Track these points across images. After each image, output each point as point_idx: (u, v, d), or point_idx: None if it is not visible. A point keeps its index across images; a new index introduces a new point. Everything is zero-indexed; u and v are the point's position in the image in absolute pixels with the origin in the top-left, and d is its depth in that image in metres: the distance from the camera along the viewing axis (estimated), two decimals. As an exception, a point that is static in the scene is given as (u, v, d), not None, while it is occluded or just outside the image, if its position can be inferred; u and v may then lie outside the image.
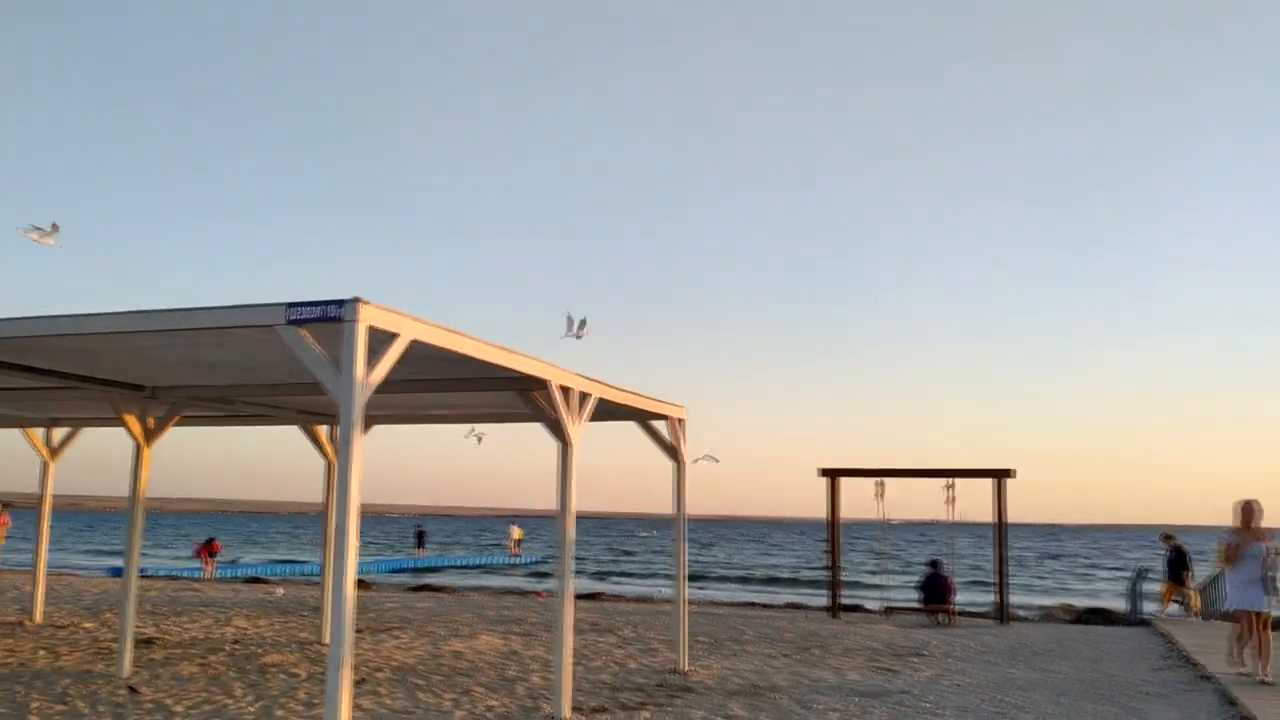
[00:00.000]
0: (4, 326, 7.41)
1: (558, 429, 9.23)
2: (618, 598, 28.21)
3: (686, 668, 12.04)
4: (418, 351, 7.88)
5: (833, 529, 21.21)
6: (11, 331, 7.39)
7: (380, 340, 6.68)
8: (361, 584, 30.65)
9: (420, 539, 61.00)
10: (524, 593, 29.68)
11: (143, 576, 34.74)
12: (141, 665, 11.32)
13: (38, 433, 15.47)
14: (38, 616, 15.31)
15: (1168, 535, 21.49)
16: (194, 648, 12.87)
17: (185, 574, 35.74)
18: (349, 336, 6.39)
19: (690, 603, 27.13)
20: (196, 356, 9.05)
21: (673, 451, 12.05)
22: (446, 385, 9.79)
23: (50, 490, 15.75)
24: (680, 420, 12.13)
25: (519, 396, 9.45)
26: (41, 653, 12.10)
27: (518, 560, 59.17)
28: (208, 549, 34.21)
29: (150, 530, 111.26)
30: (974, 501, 21.15)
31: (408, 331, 6.89)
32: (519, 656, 12.87)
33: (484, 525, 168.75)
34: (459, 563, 55.31)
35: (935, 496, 21.14)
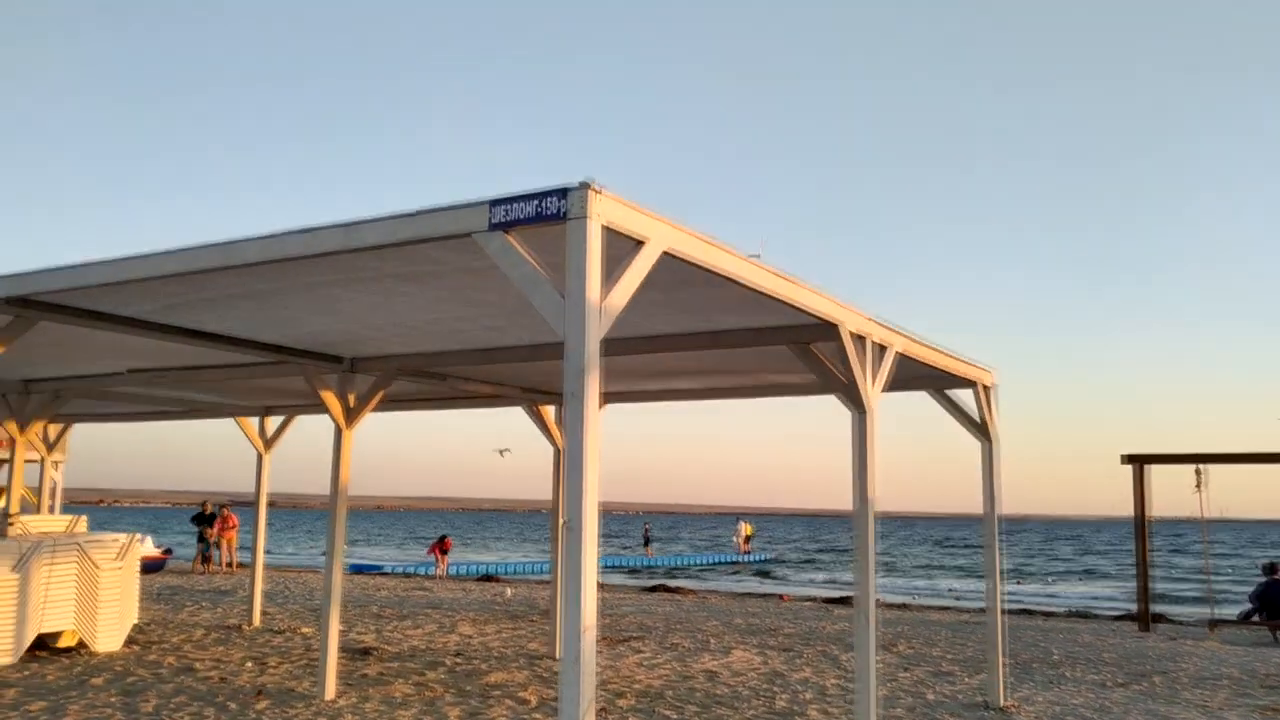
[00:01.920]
0: (135, 266, 5.77)
1: (851, 393, 6.90)
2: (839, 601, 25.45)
3: (1005, 701, 9.44)
4: (662, 279, 5.77)
5: (1140, 525, 17.87)
6: (146, 271, 5.74)
7: (619, 252, 4.56)
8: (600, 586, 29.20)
9: (647, 538, 59.85)
10: (765, 596, 27.41)
11: (380, 573, 34.71)
12: (351, 683, 9.74)
13: (252, 424, 14.43)
14: (255, 619, 14.24)
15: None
16: (413, 660, 11.28)
17: (420, 570, 35.49)
18: (576, 241, 4.29)
19: (961, 610, 24.33)
20: (395, 315, 7.27)
21: (982, 428, 9.47)
22: (691, 341, 7.64)
23: (265, 482, 14.68)
24: (988, 388, 9.55)
25: (793, 352, 7.19)
26: (249, 664, 10.77)
27: (748, 558, 57.00)
28: (440, 546, 33.71)
29: (389, 526, 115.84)
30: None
31: (659, 238, 4.74)
32: (785, 680, 10.59)
33: (705, 523, 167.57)
34: (687, 561, 53.58)
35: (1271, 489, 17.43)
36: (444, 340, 8.20)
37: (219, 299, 6.88)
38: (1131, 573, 50.50)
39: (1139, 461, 17.85)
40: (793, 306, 6.06)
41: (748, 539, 60.07)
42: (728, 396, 10.86)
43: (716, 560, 55.10)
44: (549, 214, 4.41)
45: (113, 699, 8.88)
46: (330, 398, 9.11)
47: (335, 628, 9.17)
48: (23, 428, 11.65)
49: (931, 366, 8.31)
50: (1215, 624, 17.37)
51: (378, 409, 12.69)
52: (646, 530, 62.33)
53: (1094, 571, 54.66)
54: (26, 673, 10.01)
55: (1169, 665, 12.47)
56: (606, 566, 42.64)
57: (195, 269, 5.57)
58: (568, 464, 4.25)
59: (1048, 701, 9.80)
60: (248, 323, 7.64)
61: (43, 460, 16.71)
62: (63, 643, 11.33)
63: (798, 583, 41.58)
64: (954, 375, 8.98)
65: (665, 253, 4.82)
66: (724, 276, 5.34)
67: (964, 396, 9.58)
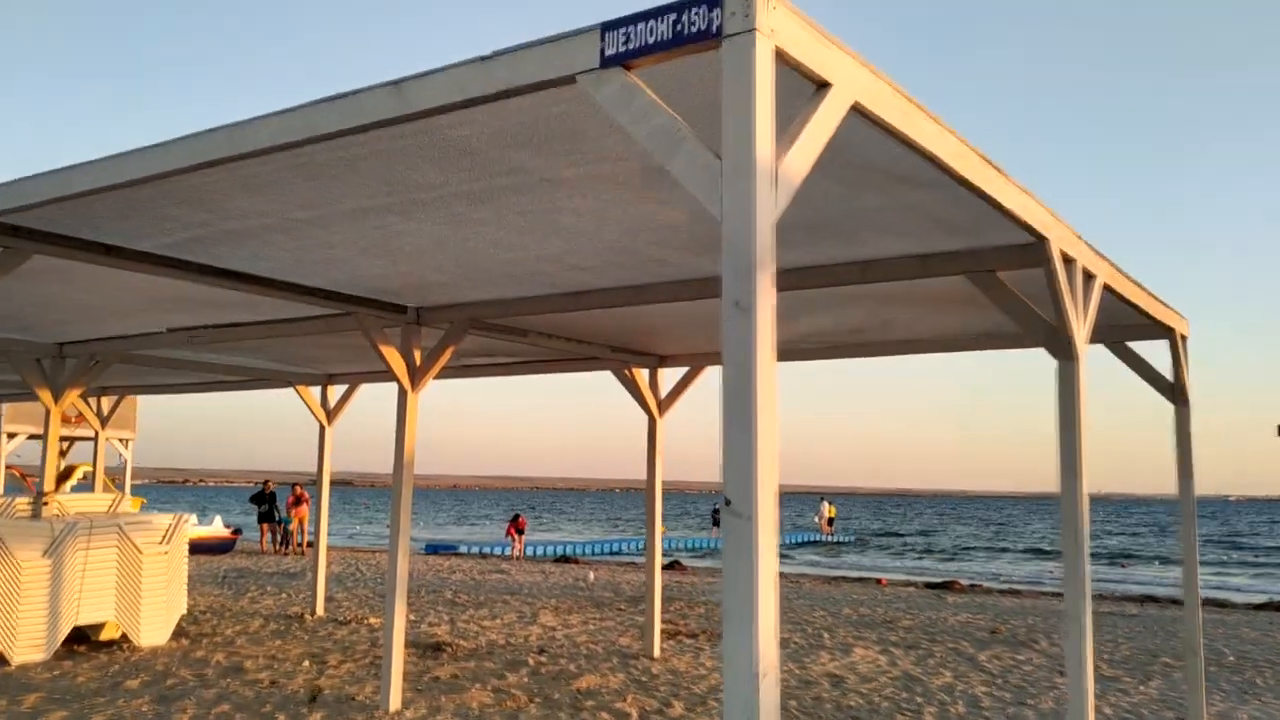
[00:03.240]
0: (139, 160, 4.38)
1: (1056, 338, 5.26)
2: (944, 586, 23.67)
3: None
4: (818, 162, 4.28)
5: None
6: (140, 168, 4.34)
7: (790, 96, 3.00)
8: (674, 565, 27.81)
9: (717, 519, 56.87)
10: (862, 580, 25.73)
11: (455, 554, 33.72)
12: (420, 688, 8.39)
13: (313, 394, 13.17)
14: (319, 608, 13.00)
15: None
16: (491, 658, 9.91)
17: (496, 550, 34.43)
18: (738, 70, 2.75)
19: (1103, 596, 22.28)
20: (465, 253, 5.85)
21: (1175, 388, 7.74)
22: (824, 276, 6.08)
23: (329, 457, 13.42)
24: (1184, 337, 7.81)
25: (975, 284, 5.58)
26: (306, 663, 9.48)
27: (831, 539, 55.19)
28: (515, 526, 32.53)
29: (460, 506, 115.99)
30: None
31: (847, 82, 3.18)
32: (924, 688, 9.01)
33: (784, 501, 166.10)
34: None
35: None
36: (524, 284, 6.74)
37: (247, 232, 5.49)
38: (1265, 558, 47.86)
39: (1298, 433, 15.82)
40: (1003, 210, 4.44)
41: (830, 520, 58.23)
42: (884, 352, 9.17)
43: (798, 540, 53.34)
44: (693, 33, 2.88)
45: (144, 708, 7.62)
46: (393, 354, 7.71)
47: (401, 623, 7.81)
48: (57, 396, 10.48)
49: (1131, 306, 6.60)
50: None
51: (445, 373, 11.35)
52: (716, 510, 59.31)
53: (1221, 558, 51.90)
54: (56, 672, 8.83)
55: (1370, 669, 10.61)
56: (671, 548, 41.12)
57: (195, 163, 4.14)
58: (726, 419, 2.72)
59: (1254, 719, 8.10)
60: (287, 262, 6.25)
61: (96, 435, 15.69)
62: (104, 635, 10.16)
63: (852, 565, 39.84)
64: (1149, 321, 7.26)
65: (855, 106, 3.27)
66: (921, 153, 3.76)
67: (1146, 350, 7.86)
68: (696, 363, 10.17)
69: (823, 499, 64.17)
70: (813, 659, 10.35)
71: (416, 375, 7.86)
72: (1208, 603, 21.45)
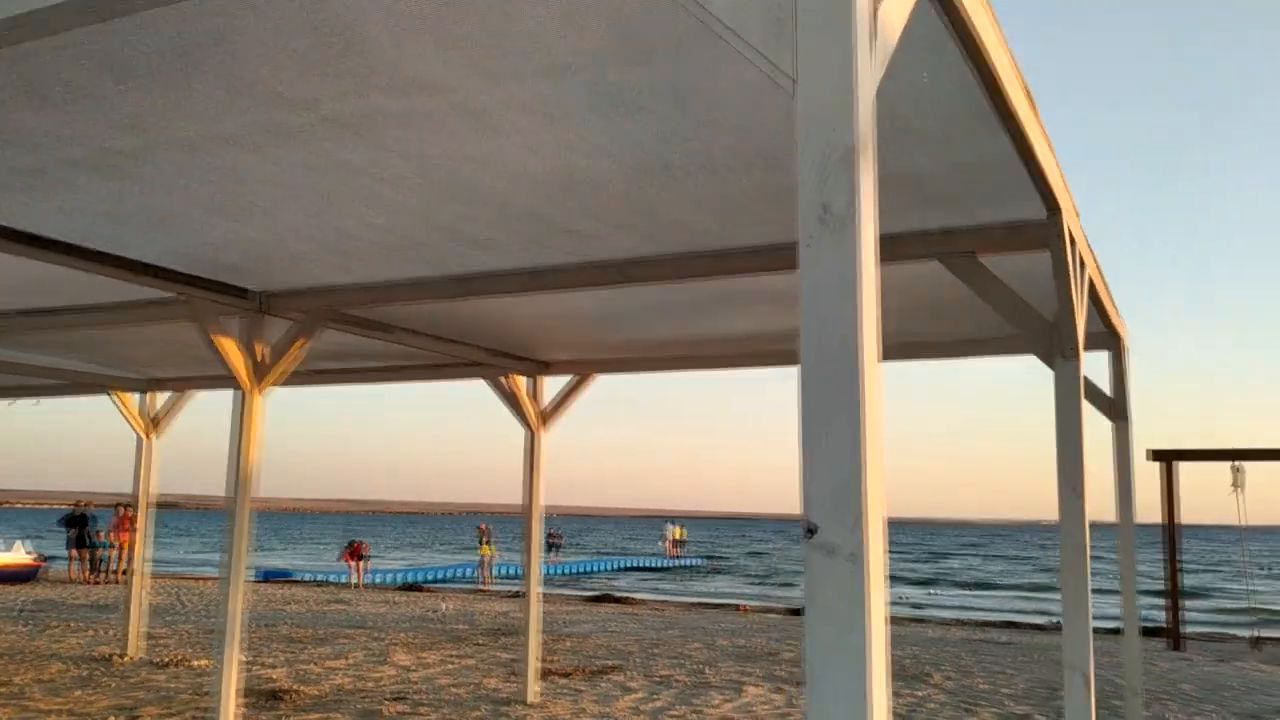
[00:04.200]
0: None
1: (1058, 337, 4.43)
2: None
3: (1144, 767, 7.09)
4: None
5: (1170, 530, 15.83)
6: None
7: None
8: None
9: (553, 543, 52.88)
10: (721, 606, 25.02)
11: (290, 581, 31.54)
12: (256, 750, 7.02)
13: (133, 400, 11.50)
14: (134, 648, 11.27)
15: None
16: (339, 708, 8.56)
17: (333, 578, 32.38)
18: None
19: (945, 622, 22.11)
20: (333, 214, 4.66)
21: (1115, 404, 7.09)
22: (793, 254, 5.14)
23: (151, 475, 11.72)
24: (1126, 348, 7.19)
25: (952, 268, 4.72)
26: (114, 718, 7.94)
27: (679, 563, 54.65)
28: (353, 552, 30.41)
29: (295, 529, 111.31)
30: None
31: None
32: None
33: (611, 526, 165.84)
34: (611, 566, 50.81)
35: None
36: (401, 262, 5.56)
37: (41, 170, 4.16)
38: (1109, 585, 49.28)
39: (1168, 458, 15.84)
40: (1034, 168, 3.56)
41: (676, 542, 57.79)
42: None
43: (638, 565, 52.42)
44: None
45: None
46: (232, 348, 6.37)
47: (235, 668, 6.46)
48: None
49: (1097, 305, 5.88)
50: (1259, 641, 15.45)
51: (291, 379, 9.95)
52: (553, 535, 54.23)
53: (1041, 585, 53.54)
54: None
55: (1264, 697, 10.31)
56: (504, 575, 39.53)
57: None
58: (810, 405, 1.69)
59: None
60: (95, 222, 4.91)
61: None
62: None
63: (701, 590, 39.51)
64: (1100, 329, 6.60)
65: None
66: (979, 63, 2.83)
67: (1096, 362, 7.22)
68: (583, 370, 9.10)
69: (670, 521, 63.74)
70: (704, 700, 9.37)
71: (260, 374, 6.54)
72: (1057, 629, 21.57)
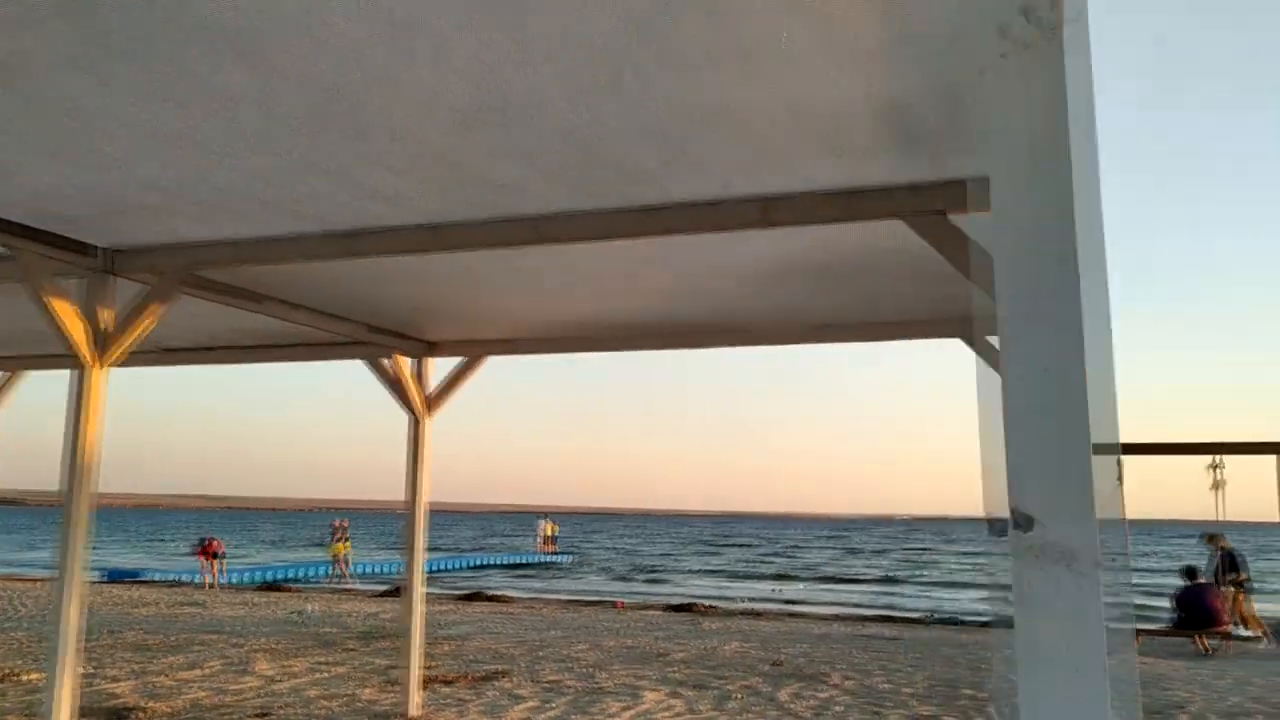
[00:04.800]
0: None
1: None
2: (683, 609, 22.88)
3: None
4: None
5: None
6: None
7: None
8: (398, 592, 25.45)
9: None
10: (598, 604, 24.44)
11: (140, 581, 29.67)
12: (96, 781, 6.08)
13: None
14: (-45, 662, 10.02)
15: (1212, 535, 16.34)
16: (195, 726, 7.63)
17: (187, 578, 30.62)
18: None
19: (824, 617, 21.87)
20: (194, 145, 3.86)
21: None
22: (741, 211, 4.56)
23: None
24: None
25: (921, 230, 4.21)
26: (-75, 747, 6.87)
27: (553, 559, 53.90)
28: (206, 550, 28.64)
29: (145, 526, 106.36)
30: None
31: None
32: (742, 740, 7.61)
33: (474, 522, 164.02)
34: (482, 562, 49.78)
35: (1187, 482, 15.74)
36: (279, 214, 4.75)
37: None
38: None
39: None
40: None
41: (549, 538, 57.02)
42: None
43: (516, 560, 51.57)
44: None
45: None
46: (68, 314, 5.43)
47: (72, 683, 5.53)
48: None
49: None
50: (1136, 634, 15.62)
51: (141, 358, 8.93)
52: None
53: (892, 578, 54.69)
54: None
55: (1159, 691, 10.24)
56: (363, 574, 38.18)
57: None
58: (1015, 360, 1.10)
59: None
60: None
61: None
62: None
63: (571, 588, 39.08)
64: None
65: None
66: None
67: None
68: (473, 351, 8.35)
69: (542, 517, 62.89)
70: (600, 708, 8.73)
71: (104, 347, 5.61)
72: (947, 624, 21.70)
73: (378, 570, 40.33)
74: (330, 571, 34.13)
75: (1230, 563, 15.77)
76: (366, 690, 9.31)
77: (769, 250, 5.25)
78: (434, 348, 8.39)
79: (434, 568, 41.60)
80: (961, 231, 4.14)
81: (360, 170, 4.05)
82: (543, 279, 6.03)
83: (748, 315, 6.97)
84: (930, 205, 4.15)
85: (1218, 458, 15.34)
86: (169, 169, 4.07)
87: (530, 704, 8.84)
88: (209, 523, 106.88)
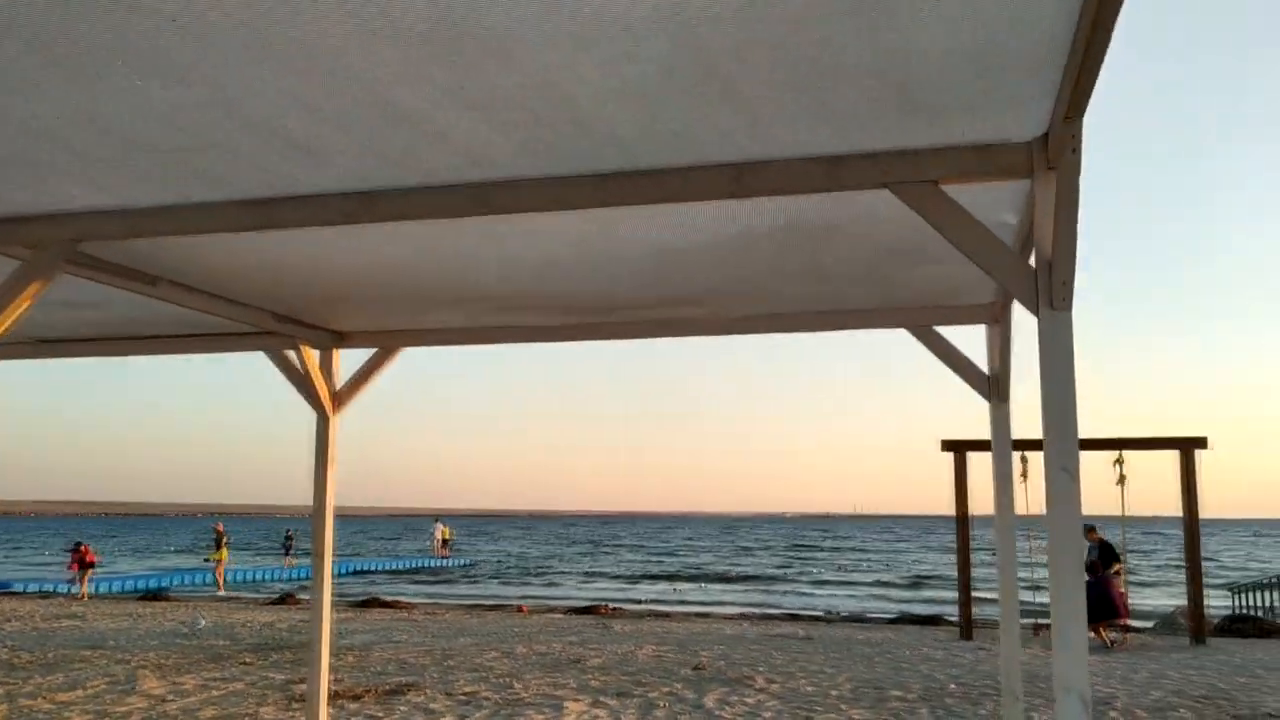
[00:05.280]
0: None
1: (1045, 281, 3.64)
2: (618, 610, 22.53)
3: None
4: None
5: (960, 519, 15.94)
6: None
7: None
8: (288, 599, 24.46)
9: (289, 546, 46.68)
10: (500, 608, 23.82)
11: (7, 593, 27.99)
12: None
13: None
14: None
15: (1088, 527, 16.09)
16: (75, 755, 6.89)
17: (57, 588, 28.98)
18: None
19: (727, 617, 21.62)
20: (81, 94, 3.28)
21: (989, 381, 6.49)
22: (710, 179, 4.16)
23: None
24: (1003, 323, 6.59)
25: (910, 200, 3.85)
26: None
27: (448, 563, 52.91)
28: (79, 558, 26.98)
29: (11, 535, 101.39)
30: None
31: None
32: (676, 753, 7.21)
33: (355, 526, 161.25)
34: (375, 567, 48.49)
35: (1095, 478, 15.95)
36: (181, 177, 4.15)
37: None
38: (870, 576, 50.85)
39: (959, 449, 15.97)
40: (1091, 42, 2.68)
41: (445, 542, 56.00)
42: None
43: (410, 565, 50.37)
44: None
45: None
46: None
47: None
48: None
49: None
50: (1038, 628, 15.77)
51: (9, 349, 8.13)
52: (288, 535, 47.59)
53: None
54: None
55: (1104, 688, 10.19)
56: (243, 581, 36.83)
57: None
58: None
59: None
60: None
61: None
62: None
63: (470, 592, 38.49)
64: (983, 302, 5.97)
65: None
66: None
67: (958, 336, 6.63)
68: (387, 342, 7.76)
69: (436, 520, 61.71)
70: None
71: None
72: (850, 620, 21.72)
73: (258, 577, 38.75)
74: (213, 578, 32.63)
75: (1107, 554, 15.85)
76: (266, 709, 8.63)
77: (723, 227, 4.86)
78: (343, 338, 7.77)
79: (287, 576, 39.49)
80: (955, 203, 3.80)
81: (289, 120, 3.50)
82: (471, 260, 5.53)
83: (691, 300, 6.58)
84: (922, 174, 3.80)
85: (1121, 453, 15.62)
86: (48, 116, 3.46)
87: (444, 716, 8.29)
88: (78, 529, 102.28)
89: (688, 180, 4.02)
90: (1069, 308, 3.62)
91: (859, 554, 72.32)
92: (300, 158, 3.91)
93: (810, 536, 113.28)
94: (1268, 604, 20.99)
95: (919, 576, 47.54)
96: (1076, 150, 3.35)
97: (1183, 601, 23.38)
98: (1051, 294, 3.62)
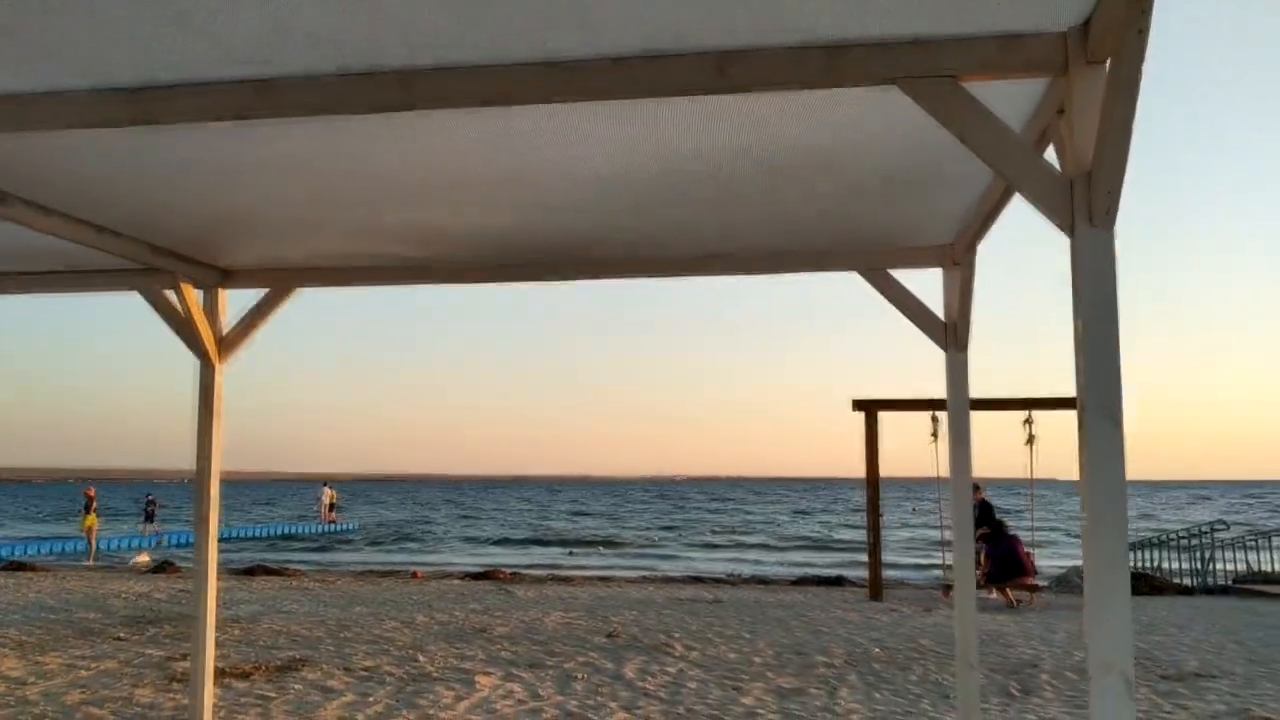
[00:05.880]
0: None
1: (1087, 194, 3.12)
2: (516, 575, 21.91)
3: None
4: None
5: (871, 480, 15.72)
6: None
7: None
8: (167, 566, 23.21)
9: (150, 513, 43.23)
10: (394, 573, 22.95)
11: None
12: None
13: None
14: None
15: (975, 486, 15.52)
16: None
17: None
18: None
19: (652, 579, 21.19)
20: None
21: (946, 330, 6.03)
22: (691, 69, 3.53)
23: None
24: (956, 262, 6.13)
25: (925, 100, 3.29)
26: None
27: (335, 528, 51.51)
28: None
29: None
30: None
31: None
32: (602, 730, 6.66)
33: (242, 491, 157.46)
34: (256, 533, 46.87)
35: (1005, 440, 15.88)
36: (35, 60, 3.34)
37: None
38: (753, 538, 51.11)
39: (870, 408, 15.72)
40: None
41: (333, 506, 54.50)
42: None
43: (295, 530, 48.84)
44: None
45: None
46: None
47: None
48: None
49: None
50: (949, 589, 15.67)
51: None
52: (150, 502, 43.73)
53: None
54: None
55: (1003, 648, 9.97)
56: (110, 549, 35.12)
57: None
58: None
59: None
60: None
61: None
62: None
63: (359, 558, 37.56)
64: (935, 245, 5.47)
65: None
66: None
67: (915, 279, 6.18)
68: (280, 281, 6.93)
69: (324, 484, 60.04)
70: (431, 699, 7.57)
71: None
72: (754, 582, 21.50)
73: (128, 545, 36.84)
74: (87, 547, 30.89)
75: (985, 516, 15.73)
76: (143, 690, 7.79)
77: (670, 155, 4.22)
78: (230, 276, 6.92)
79: (148, 543, 37.46)
80: (978, 103, 3.24)
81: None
82: (382, 181, 4.78)
83: (628, 240, 5.93)
84: (939, 67, 3.23)
85: (1030, 413, 15.57)
86: None
87: (346, 698, 7.58)
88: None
89: (664, 72, 3.39)
90: (1112, 225, 3.10)
91: (747, 516, 73.04)
92: (182, 34, 3.15)
93: (697, 499, 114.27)
94: (1155, 562, 21.46)
95: (812, 539, 48.10)
96: (1144, 31, 2.82)
97: (1076, 562, 23.92)
98: (1091, 208, 3.10)
